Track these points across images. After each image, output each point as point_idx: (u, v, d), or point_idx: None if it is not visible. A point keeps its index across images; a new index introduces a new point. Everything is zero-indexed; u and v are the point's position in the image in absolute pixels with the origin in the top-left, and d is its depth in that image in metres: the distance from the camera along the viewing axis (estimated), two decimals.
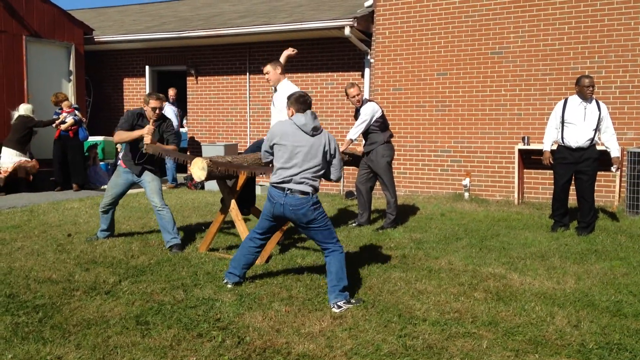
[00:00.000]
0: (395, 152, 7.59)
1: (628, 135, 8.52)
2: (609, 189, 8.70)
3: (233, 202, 5.69)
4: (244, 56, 11.89)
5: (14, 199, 9.34)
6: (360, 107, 7.19)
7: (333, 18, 10.32)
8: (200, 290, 4.62)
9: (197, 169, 5.35)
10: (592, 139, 6.71)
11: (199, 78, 12.42)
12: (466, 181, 9.48)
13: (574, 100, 6.81)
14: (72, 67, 11.84)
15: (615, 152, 6.80)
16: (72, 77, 11.84)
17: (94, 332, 3.74)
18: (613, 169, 6.92)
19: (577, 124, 6.70)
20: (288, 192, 4.38)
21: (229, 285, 4.68)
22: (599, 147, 6.88)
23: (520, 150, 8.99)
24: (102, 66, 13.46)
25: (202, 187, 10.94)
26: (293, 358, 3.45)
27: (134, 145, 6.06)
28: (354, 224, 7.34)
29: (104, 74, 13.49)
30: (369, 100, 7.37)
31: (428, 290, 4.67)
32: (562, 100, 6.97)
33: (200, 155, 6.02)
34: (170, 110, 11.21)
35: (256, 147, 6.22)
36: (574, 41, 8.86)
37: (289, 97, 4.69)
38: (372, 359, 3.44)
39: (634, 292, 4.62)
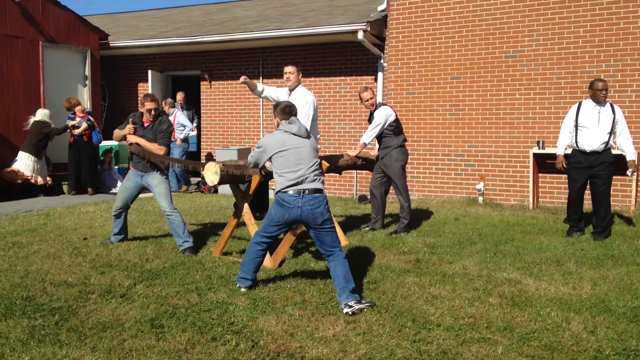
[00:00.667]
0: (409, 156, 7.57)
1: None
2: (625, 194, 8.61)
3: (246, 206, 5.71)
4: (257, 60, 11.94)
5: (30, 203, 9.44)
6: (374, 111, 7.19)
7: (346, 22, 10.34)
8: (214, 294, 4.63)
9: (210, 173, 5.38)
10: (607, 143, 6.65)
11: (212, 82, 12.49)
12: (480, 185, 9.43)
13: (588, 104, 6.76)
14: (87, 72, 11.96)
15: (630, 155, 6.73)
16: (87, 82, 11.96)
17: (109, 335, 3.77)
18: (629, 172, 6.85)
19: (591, 127, 6.65)
20: (305, 192, 4.42)
21: (243, 290, 4.70)
22: (614, 151, 6.82)
23: (535, 154, 8.93)
24: (117, 71, 13.58)
25: (216, 191, 10.99)
26: None
27: None
28: (367, 228, 7.33)
29: (119, 79, 13.61)
30: (383, 104, 7.36)
31: (442, 295, 4.64)
32: (576, 104, 6.93)
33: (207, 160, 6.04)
34: (182, 116, 11.27)
35: None
36: (589, 44, 8.80)
37: (275, 107, 4.90)
38: None
39: None
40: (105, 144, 11.47)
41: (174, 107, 11.37)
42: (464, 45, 9.63)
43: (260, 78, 11.86)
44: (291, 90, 6.42)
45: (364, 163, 7.01)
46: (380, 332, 3.85)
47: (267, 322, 4.02)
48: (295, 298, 4.53)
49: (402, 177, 7.23)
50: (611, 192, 6.89)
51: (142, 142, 6.09)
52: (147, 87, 13.03)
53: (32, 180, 9.92)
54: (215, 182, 5.36)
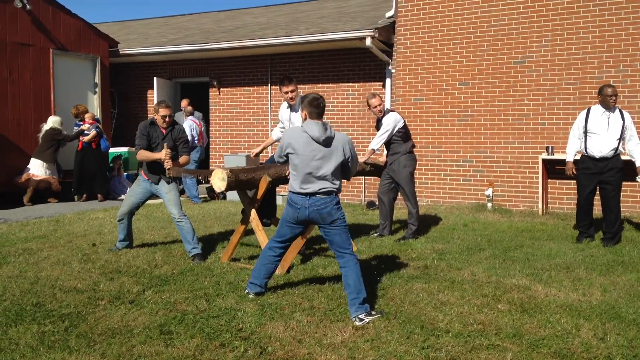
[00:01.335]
0: (418, 162, 7.57)
1: None
2: (635, 199, 8.55)
3: (254, 212, 5.72)
4: (265, 67, 12.00)
5: (40, 210, 9.51)
6: (382, 117, 7.19)
7: (354, 29, 10.37)
8: (222, 300, 4.64)
9: (217, 179, 5.39)
10: (616, 149, 6.62)
11: (221, 89, 12.55)
12: (489, 191, 9.40)
13: (597, 109, 6.74)
14: (97, 80, 12.05)
15: None
16: (97, 90, 12.05)
17: (118, 341, 3.79)
18: (638, 179, 6.82)
19: (601, 133, 6.62)
20: (311, 195, 4.42)
21: (251, 296, 4.70)
22: (623, 157, 6.79)
23: (544, 160, 8.90)
24: (127, 78, 13.67)
25: (224, 197, 11.01)
26: None
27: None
28: (375, 234, 7.32)
29: (129, 86, 13.70)
30: (391, 111, 7.37)
31: (451, 301, 4.63)
32: (585, 110, 6.90)
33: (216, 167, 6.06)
34: (187, 125, 11.19)
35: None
36: (598, 50, 8.77)
37: (303, 98, 4.66)
38: None
39: None
40: (114, 150, 11.53)
41: (192, 114, 11.31)
42: (472, 51, 9.62)
43: (269, 85, 11.92)
44: (293, 108, 6.34)
45: (372, 169, 7.01)
46: (389, 338, 3.84)
47: (275, 328, 4.02)
48: (304, 304, 4.53)
49: (411, 183, 7.22)
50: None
51: (183, 169, 6.12)
52: (155, 94, 13.13)
53: (50, 180, 10.06)
54: (223, 189, 5.37)
